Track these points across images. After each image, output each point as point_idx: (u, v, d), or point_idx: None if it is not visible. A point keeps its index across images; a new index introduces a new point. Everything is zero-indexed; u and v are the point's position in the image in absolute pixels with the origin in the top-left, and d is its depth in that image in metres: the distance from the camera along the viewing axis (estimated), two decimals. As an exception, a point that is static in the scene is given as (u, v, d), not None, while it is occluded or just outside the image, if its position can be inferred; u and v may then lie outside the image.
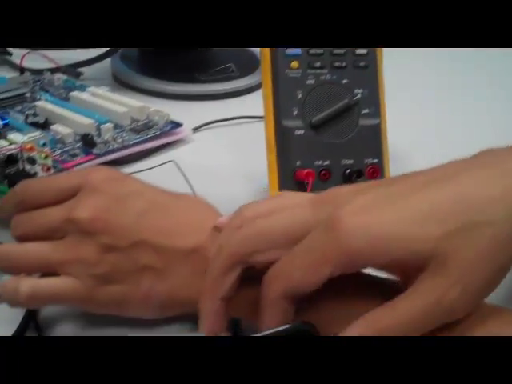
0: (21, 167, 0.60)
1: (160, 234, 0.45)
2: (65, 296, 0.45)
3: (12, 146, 0.60)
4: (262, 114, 0.60)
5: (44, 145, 0.63)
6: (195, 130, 0.76)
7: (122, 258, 0.45)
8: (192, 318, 0.48)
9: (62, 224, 0.45)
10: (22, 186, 0.49)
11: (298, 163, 0.57)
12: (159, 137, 0.71)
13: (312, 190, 0.56)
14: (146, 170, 0.60)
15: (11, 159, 0.59)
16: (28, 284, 0.44)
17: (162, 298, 0.46)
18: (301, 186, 0.57)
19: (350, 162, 0.58)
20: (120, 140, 0.69)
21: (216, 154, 0.72)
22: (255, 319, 0.41)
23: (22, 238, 0.47)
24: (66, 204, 0.46)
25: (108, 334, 0.47)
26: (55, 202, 0.46)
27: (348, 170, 0.57)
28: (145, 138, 0.70)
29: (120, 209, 0.45)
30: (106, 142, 0.69)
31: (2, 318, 0.48)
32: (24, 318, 0.48)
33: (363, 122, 0.58)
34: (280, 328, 0.38)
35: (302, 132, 0.57)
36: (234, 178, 0.67)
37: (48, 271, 0.45)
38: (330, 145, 0.58)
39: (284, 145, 0.57)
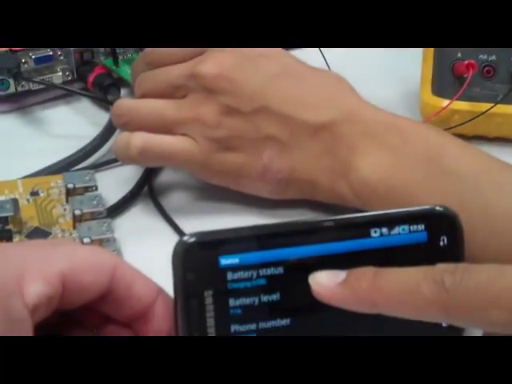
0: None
1: (289, 103, 0.40)
2: (178, 156, 0.41)
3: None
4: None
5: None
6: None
7: (244, 123, 0.40)
8: (310, 205, 0.44)
9: (185, 80, 0.41)
10: (153, 45, 0.45)
11: (458, 55, 0.49)
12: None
13: (470, 86, 0.48)
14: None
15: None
16: (141, 138, 0.41)
17: (281, 173, 0.41)
18: (458, 81, 0.49)
19: (522, 59, 0.49)
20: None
21: (363, 52, 0.65)
22: None
23: (145, 96, 0.44)
24: (192, 61, 0.42)
25: (218, 210, 0.44)
26: (183, 61, 0.43)
27: (517, 69, 0.49)
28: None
29: (249, 68, 0.41)
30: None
31: (117, 179, 0.46)
32: (139, 180, 0.45)
33: (544, 14, 0.49)
34: (416, 207, 0.32)
35: (467, 19, 0.49)
36: (381, 77, 0.60)
37: (165, 130, 0.42)
38: (500, 37, 0.49)
39: (444, 32, 0.50)
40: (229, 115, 0.40)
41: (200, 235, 0.30)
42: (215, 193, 0.44)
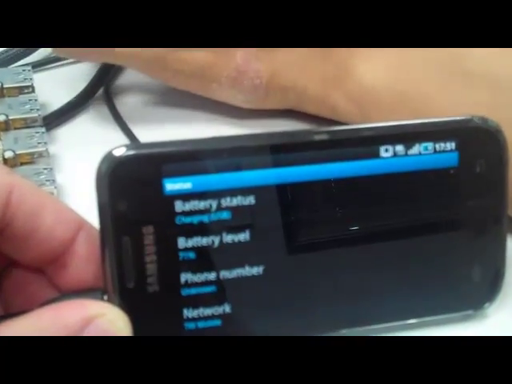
0: None
1: None
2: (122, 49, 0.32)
3: None
4: None
5: None
6: None
7: None
8: (297, 115, 0.35)
9: None
10: None
11: None
12: None
13: None
14: None
15: None
16: None
17: (260, 79, 0.33)
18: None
19: None
20: None
21: None
22: None
23: None
24: None
25: (187, 119, 0.35)
26: None
27: None
28: None
29: None
30: None
31: (65, 81, 0.37)
32: (92, 81, 0.36)
33: None
34: (443, 118, 0.23)
35: None
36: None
37: None
38: None
39: None
40: None
41: (136, 147, 0.21)
42: (187, 100, 0.35)
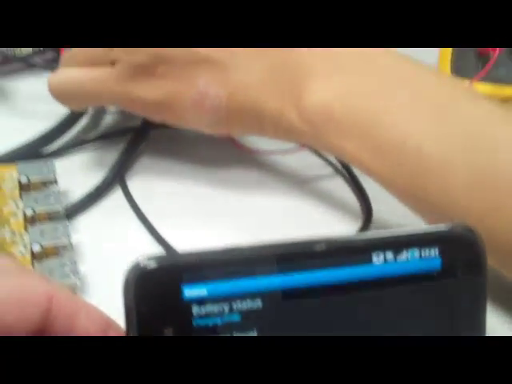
0: None
1: None
2: (90, 86, 0.37)
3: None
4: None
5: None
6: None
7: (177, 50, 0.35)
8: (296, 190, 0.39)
9: None
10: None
11: (482, 30, 0.43)
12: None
13: (495, 66, 0.42)
14: None
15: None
16: (58, 72, 0.38)
17: (220, 99, 0.35)
18: (481, 60, 0.43)
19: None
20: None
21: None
22: None
23: None
24: None
25: (203, 204, 0.38)
26: None
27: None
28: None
29: None
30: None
31: (86, 165, 0.40)
32: (109, 172, 0.39)
33: None
34: (428, 228, 0.26)
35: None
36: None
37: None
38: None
39: None
40: None
41: (159, 259, 0.24)
42: (201, 188, 0.39)
